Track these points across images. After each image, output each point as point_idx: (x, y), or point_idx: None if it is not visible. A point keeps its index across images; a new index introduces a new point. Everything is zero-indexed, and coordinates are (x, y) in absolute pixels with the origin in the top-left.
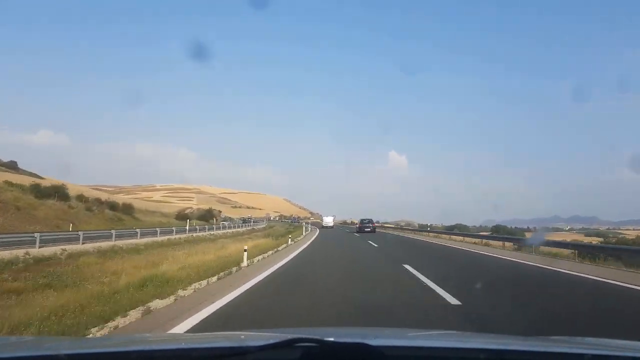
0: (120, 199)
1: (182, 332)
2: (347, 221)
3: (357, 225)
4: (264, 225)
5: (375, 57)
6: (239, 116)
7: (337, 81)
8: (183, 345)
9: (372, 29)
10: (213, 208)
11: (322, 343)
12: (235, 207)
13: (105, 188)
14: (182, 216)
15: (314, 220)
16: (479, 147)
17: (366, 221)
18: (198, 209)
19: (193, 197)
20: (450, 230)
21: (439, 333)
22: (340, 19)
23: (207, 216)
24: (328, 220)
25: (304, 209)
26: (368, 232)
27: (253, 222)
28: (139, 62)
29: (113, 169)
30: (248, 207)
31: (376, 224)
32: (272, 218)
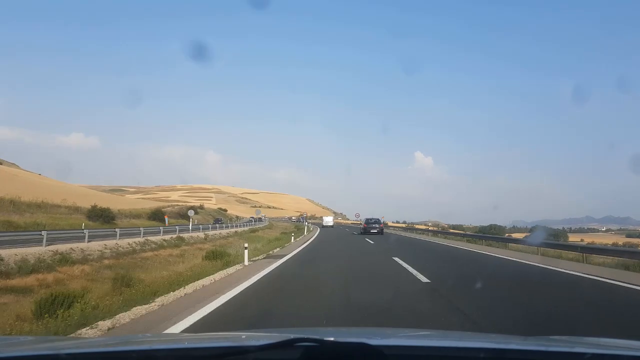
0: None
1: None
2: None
3: (362, 226)
4: (238, 230)
5: (402, 59)
6: (265, 119)
7: (368, 84)
8: (183, 345)
9: (395, 31)
10: (200, 207)
11: (322, 343)
12: (255, 206)
13: (126, 189)
14: (97, 213)
15: (315, 221)
16: (508, 147)
17: (372, 221)
18: (177, 206)
19: (212, 197)
20: (485, 232)
21: (439, 333)
22: (364, 19)
23: (157, 216)
24: (328, 220)
25: (328, 209)
26: (374, 233)
27: (237, 222)
28: (172, 66)
29: (142, 170)
30: (269, 207)
31: (391, 224)
32: (292, 218)
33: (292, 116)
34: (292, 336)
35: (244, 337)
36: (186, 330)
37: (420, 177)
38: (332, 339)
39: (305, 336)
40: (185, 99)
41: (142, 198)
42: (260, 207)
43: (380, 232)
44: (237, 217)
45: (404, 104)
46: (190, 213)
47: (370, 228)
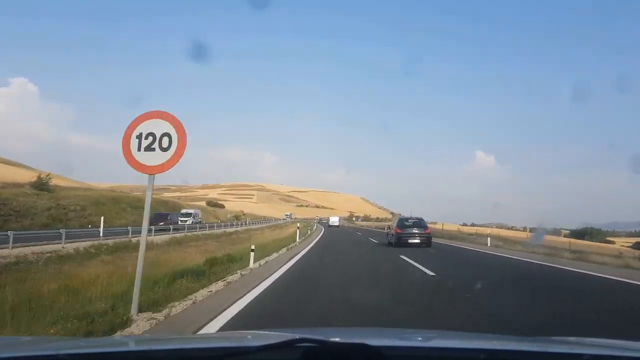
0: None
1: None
2: None
3: (393, 232)
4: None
5: (463, 57)
6: (320, 119)
7: (422, 81)
8: (183, 345)
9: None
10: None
11: (322, 343)
12: (302, 205)
13: (169, 187)
14: None
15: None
16: (574, 144)
17: (409, 223)
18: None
19: (253, 195)
20: (582, 235)
21: (439, 333)
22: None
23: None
24: (334, 220)
25: (384, 209)
26: (415, 244)
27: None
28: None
29: (195, 170)
30: (317, 207)
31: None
32: (321, 219)
33: (348, 116)
34: (292, 336)
35: (244, 337)
36: None
37: (480, 177)
38: (332, 339)
39: (305, 336)
40: (242, 98)
41: (174, 196)
42: (307, 206)
43: (427, 244)
44: (259, 216)
45: (466, 101)
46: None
47: (408, 236)
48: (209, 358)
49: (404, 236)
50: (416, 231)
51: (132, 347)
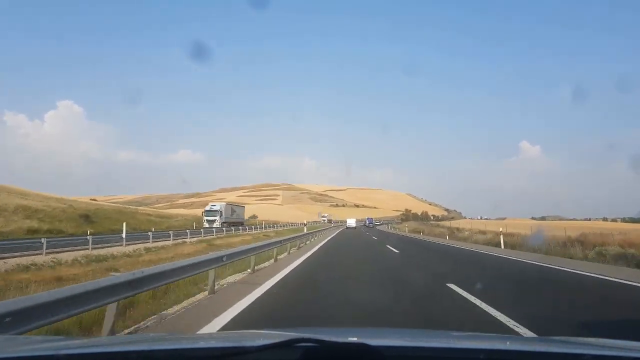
0: None
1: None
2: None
3: None
4: None
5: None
6: (357, 119)
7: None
8: (183, 345)
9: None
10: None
11: (322, 343)
12: (337, 205)
13: (187, 193)
14: None
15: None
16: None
17: None
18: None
19: (278, 195)
20: None
21: (438, 333)
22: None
23: None
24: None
25: (436, 205)
26: None
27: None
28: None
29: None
30: (356, 206)
31: None
32: (325, 218)
33: (386, 116)
34: (291, 336)
35: (243, 337)
36: None
37: (527, 169)
38: (332, 339)
39: (305, 336)
40: (277, 102)
41: (185, 202)
42: (343, 206)
43: None
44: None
45: (510, 93)
46: None
47: None
48: (208, 358)
49: None
50: None
51: (132, 347)
